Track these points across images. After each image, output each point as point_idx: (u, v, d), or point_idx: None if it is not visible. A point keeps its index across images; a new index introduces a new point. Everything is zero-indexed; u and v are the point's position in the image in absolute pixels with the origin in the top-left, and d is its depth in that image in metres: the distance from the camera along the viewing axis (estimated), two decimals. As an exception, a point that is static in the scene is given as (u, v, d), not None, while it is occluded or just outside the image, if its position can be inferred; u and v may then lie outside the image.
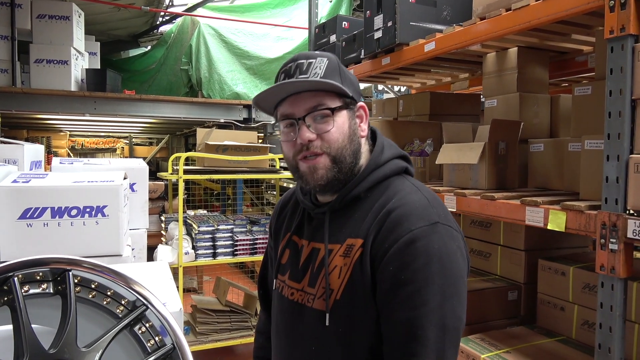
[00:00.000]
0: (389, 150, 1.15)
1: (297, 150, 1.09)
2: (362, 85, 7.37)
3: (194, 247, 3.53)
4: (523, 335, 2.18)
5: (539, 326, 2.29)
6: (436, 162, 2.42)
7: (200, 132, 3.94)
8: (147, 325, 1.00)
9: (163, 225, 4.01)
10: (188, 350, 0.98)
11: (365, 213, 1.08)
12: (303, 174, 1.10)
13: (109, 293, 0.98)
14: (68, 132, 11.42)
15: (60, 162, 2.58)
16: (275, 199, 6.17)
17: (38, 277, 0.89)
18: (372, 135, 1.20)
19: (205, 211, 4.92)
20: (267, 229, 3.91)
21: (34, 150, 2.74)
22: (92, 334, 0.99)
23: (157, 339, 1.00)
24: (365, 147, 1.16)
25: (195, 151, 4.00)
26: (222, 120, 6.22)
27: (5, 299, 0.82)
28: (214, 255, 3.58)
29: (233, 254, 3.61)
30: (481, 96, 3.50)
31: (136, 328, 0.99)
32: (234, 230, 3.67)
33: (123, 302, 0.99)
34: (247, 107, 6.42)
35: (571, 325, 2.14)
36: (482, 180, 2.16)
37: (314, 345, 1.08)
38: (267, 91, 1.07)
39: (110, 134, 12.68)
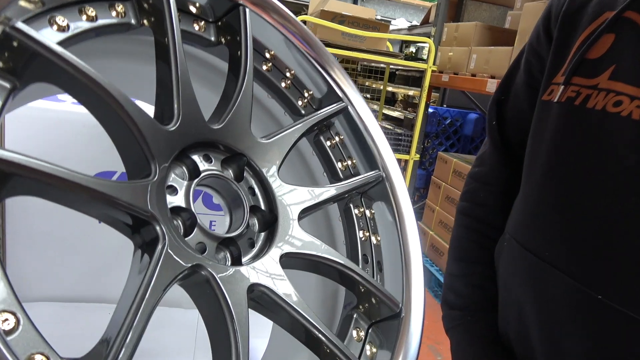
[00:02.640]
0: None
1: None
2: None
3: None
4: None
5: None
6: None
7: (314, -1, 3.45)
8: (338, 138, 0.63)
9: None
10: (400, 181, 0.61)
11: None
12: None
13: (288, 73, 0.60)
14: None
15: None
16: (377, 84, 5.59)
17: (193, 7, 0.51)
18: None
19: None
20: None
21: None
22: (259, 128, 0.63)
23: (349, 162, 0.63)
24: None
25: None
26: None
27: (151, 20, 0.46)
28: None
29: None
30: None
31: (323, 137, 0.62)
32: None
33: (307, 94, 0.62)
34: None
35: None
36: None
37: None
38: None
39: None
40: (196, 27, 0.51)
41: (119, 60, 0.49)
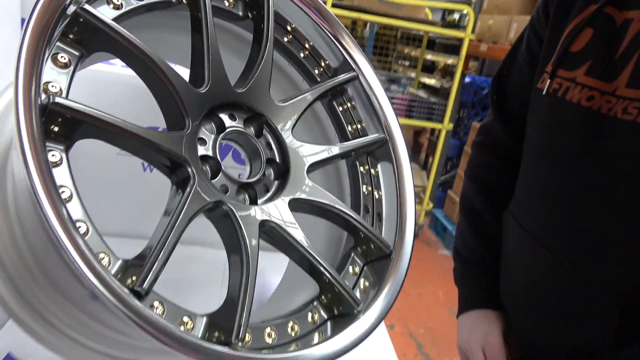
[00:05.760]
0: None
1: None
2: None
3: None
4: None
5: None
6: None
7: (354, -36, 3.45)
8: (350, 104, 0.71)
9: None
10: (402, 144, 0.69)
11: None
12: None
13: (307, 45, 0.69)
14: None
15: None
16: (416, 52, 5.52)
17: (223, -13, 0.60)
18: None
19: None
20: (406, 91, 3.52)
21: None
22: (280, 93, 0.72)
23: (359, 125, 0.71)
24: None
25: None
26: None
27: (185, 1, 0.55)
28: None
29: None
30: None
31: (336, 102, 0.70)
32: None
33: (323, 64, 0.70)
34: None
35: None
36: None
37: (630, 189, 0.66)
38: None
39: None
40: (226, 4, 0.60)
41: (163, 33, 0.59)
